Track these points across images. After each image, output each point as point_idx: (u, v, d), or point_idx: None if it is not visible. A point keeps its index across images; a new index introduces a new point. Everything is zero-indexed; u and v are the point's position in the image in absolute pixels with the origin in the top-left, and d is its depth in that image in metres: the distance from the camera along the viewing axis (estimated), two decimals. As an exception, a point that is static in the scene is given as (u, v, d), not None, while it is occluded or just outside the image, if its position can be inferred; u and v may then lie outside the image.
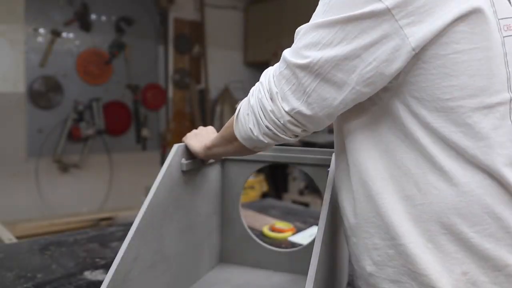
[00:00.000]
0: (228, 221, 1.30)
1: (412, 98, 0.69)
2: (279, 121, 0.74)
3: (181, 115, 4.44)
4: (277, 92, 0.73)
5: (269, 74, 0.78)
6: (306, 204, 3.76)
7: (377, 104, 0.73)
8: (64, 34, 3.70)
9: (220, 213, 1.30)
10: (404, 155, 0.71)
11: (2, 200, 3.45)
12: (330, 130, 4.19)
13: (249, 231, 1.30)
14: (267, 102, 0.74)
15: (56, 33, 3.63)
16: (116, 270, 0.84)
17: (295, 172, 4.10)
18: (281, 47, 4.29)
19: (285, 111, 0.73)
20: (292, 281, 1.21)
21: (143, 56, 4.16)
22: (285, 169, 4.25)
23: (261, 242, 1.29)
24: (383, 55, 0.65)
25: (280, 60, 0.76)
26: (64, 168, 3.78)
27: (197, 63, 4.58)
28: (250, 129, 0.79)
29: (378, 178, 0.74)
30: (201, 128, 1.12)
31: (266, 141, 0.79)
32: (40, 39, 3.60)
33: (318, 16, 0.70)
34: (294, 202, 3.70)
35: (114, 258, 0.86)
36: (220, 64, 4.73)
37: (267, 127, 0.76)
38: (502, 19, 0.70)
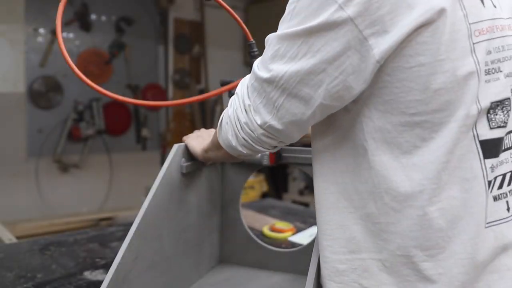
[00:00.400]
0: (228, 221, 1.30)
1: (377, 111, 0.65)
2: (253, 133, 0.73)
3: (181, 115, 4.44)
4: (249, 105, 0.72)
5: (244, 84, 0.76)
6: (306, 204, 3.76)
7: (348, 115, 0.70)
8: (64, 34, 3.69)
9: (220, 213, 1.30)
10: (366, 171, 0.68)
11: (2, 200, 3.45)
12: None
13: (249, 231, 1.29)
14: (242, 114, 0.74)
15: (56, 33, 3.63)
16: (116, 270, 0.84)
17: (295, 172, 4.10)
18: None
19: (257, 124, 0.72)
20: (292, 281, 1.21)
21: (143, 56, 4.16)
22: (285, 169, 4.25)
23: (261, 242, 1.29)
24: (349, 68, 0.61)
25: (251, 71, 0.73)
26: (64, 168, 3.77)
27: (197, 63, 4.58)
28: (229, 139, 0.79)
29: (344, 191, 0.72)
30: (203, 130, 1.11)
31: (245, 152, 0.79)
32: (40, 39, 3.60)
33: (284, 24, 0.67)
34: (294, 202, 3.70)
35: (114, 258, 0.86)
36: (220, 64, 4.73)
37: (243, 138, 0.76)
38: (473, 23, 0.64)
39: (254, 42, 1.08)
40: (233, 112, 0.76)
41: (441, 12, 0.60)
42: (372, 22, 0.59)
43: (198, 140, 1.06)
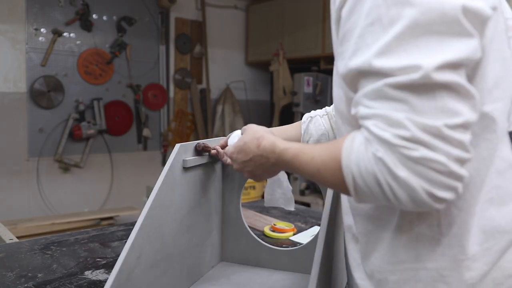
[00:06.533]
0: (229, 220, 1.30)
1: None
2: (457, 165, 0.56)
3: (182, 115, 4.44)
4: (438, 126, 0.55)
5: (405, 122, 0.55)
6: (307, 204, 3.76)
7: None
8: (65, 34, 3.70)
9: (221, 212, 1.30)
10: None
11: (3, 199, 3.46)
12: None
13: (249, 229, 1.30)
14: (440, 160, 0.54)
15: (57, 33, 3.63)
16: (120, 269, 0.84)
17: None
18: (283, 46, 4.30)
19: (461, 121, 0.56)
20: (293, 279, 1.21)
21: (144, 56, 4.16)
22: (286, 169, 4.24)
23: (261, 241, 1.29)
24: None
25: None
26: (65, 167, 3.78)
27: (198, 63, 4.58)
28: (403, 200, 0.57)
29: None
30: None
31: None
32: (41, 38, 3.61)
33: None
34: (295, 202, 3.69)
35: (115, 258, 0.86)
36: (221, 64, 4.73)
37: (443, 199, 0.56)
38: (507, 19, 0.70)
39: None
40: (413, 175, 0.55)
41: (496, 6, 0.63)
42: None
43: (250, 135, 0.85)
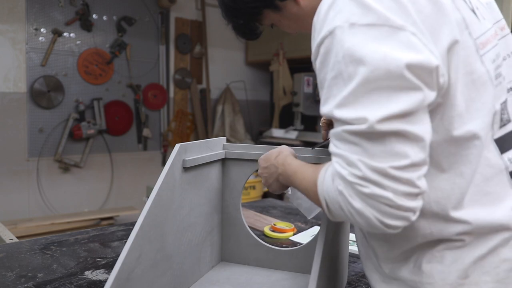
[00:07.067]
0: (229, 220, 1.30)
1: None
2: (413, 203, 0.65)
3: (182, 115, 4.44)
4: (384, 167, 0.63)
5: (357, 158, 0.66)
6: (307, 204, 3.75)
7: None
8: (65, 34, 3.70)
9: (221, 212, 1.30)
10: None
11: (3, 199, 3.46)
12: (331, 130, 4.19)
13: (249, 229, 1.30)
14: (395, 200, 0.63)
15: (57, 33, 3.64)
16: (120, 269, 0.84)
17: (296, 172, 4.08)
18: (283, 46, 4.30)
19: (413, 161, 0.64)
20: (293, 279, 1.21)
21: (144, 55, 4.16)
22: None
23: (261, 241, 1.29)
24: None
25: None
26: (65, 167, 3.78)
27: (198, 63, 4.58)
28: (362, 224, 0.68)
29: None
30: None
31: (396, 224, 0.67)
32: (41, 38, 3.61)
33: None
34: (295, 202, 3.69)
35: (115, 258, 0.86)
36: (221, 64, 4.73)
37: (394, 226, 0.66)
38: (476, 38, 0.74)
39: None
40: (368, 207, 0.65)
41: (455, 40, 0.71)
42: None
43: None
